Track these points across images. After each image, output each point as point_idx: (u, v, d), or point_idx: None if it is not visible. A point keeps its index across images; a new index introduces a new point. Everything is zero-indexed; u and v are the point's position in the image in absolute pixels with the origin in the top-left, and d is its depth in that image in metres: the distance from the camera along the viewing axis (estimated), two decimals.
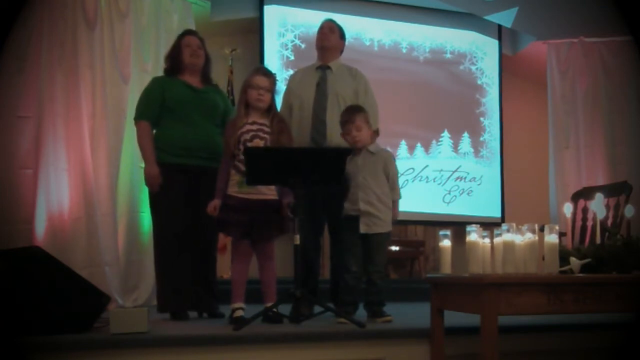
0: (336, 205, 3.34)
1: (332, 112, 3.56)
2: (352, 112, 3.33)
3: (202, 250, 3.54)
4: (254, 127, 3.21)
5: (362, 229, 3.24)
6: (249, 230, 3.14)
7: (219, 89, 3.74)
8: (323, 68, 3.69)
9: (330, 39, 3.71)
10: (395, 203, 3.34)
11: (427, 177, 6.44)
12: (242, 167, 3.10)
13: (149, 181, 3.46)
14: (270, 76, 3.29)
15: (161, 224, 3.49)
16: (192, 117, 3.48)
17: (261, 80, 3.23)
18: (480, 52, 6.77)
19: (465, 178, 6.57)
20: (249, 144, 3.15)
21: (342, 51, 3.80)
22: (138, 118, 3.56)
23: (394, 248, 6.29)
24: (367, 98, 3.63)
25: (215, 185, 3.21)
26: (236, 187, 3.15)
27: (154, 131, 3.55)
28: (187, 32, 3.72)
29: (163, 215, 3.47)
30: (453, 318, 2.73)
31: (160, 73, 3.66)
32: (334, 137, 3.51)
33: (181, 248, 3.44)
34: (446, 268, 2.62)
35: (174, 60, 3.58)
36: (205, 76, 3.64)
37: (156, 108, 3.50)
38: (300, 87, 3.66)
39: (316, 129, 3.55)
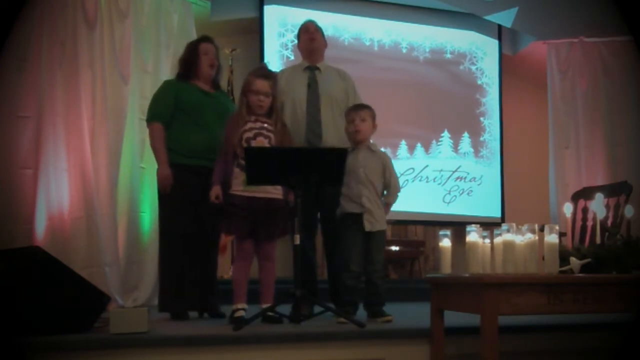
0: (332, 203, 3.34)
1: (325, 113, 3.56)
2: (360, 107, 3.37)
3: (204, 251, 3.54)
4: (257, 125, 3.21)
5: (367, 226, 3.23)
6: (253, 229, 3.14)
7: (226, 95, 3.74)
8: (312, 69, 3.68)
9: (318, 39, 3.72)
10: (389, 206, 3.36)
11: (427, 177, 6.44)
12: None
13: (161, 182, 3.46)
14: (271, 77, 3.28)
15: (169, 224, 3.50)
16: (206, 120, 3.50)
17: (261, 85, 3.22)
18: (480, 52, 6.77)
19: (465, 178, 6.57)
20: (253, 142, 3.15)
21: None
22: (151, 120, 3.54)
23: (394, 248, 6.29)
24: (356, 99, 3.66)
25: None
26: (241, 186, 3.13)
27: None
28: (206, 39, 3.67)
29: (172, 215, 3.47)
30: (453, 318, 2.73)
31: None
32: (329, 138, 3.51)
33: (186, 249, 3.45)
34: (446, 268, 2.62)
35: (191, 66, 3.58)
36: (216, 83, 3.68)
37: (169, 110, 3.50)
38: (291, 87, 3.63)
39: (311, 129, 3.54)
